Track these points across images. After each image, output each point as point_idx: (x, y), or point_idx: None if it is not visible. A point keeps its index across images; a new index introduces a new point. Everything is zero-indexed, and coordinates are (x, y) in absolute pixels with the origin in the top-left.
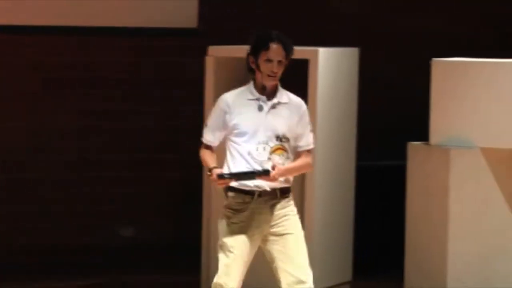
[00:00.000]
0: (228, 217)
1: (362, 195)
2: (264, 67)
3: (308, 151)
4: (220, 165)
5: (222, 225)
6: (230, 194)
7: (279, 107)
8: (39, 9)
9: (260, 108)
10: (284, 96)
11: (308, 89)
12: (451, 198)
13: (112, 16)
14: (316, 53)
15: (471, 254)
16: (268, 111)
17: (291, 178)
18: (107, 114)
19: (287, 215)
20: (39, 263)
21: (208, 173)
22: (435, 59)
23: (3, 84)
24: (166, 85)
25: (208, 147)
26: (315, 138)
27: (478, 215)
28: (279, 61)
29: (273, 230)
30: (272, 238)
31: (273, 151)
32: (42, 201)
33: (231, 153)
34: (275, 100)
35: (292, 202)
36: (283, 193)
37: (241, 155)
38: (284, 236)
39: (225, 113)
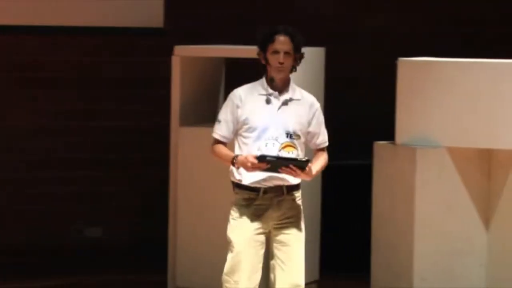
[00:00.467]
0: (234, 214)
1: (329, 194)
2: (272, 59)
3: (325, 147)
4: (227, 170)
5: (229, 221)
6: (236, 190)
7: (291, 104)
8: (1, 8)
9: (271, 103)
10: (297, 92)
11: None
12: (417, 197)
13: (78, 15)
14: None
15: (437, 253)
16: (280, 107)
17: None
18: (74, 114)
19: (292, 216)
20: (13, 264)
21: (233, 162)
22: (401, 59)
23: None
24: (132, 85)
25: (220, 143)
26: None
27: (444, 214)
28: (286, 53)
29: (278, 228)
30: (275, 235)
31: (282, 148)
32: (6, 201)
33: (240, 148)
34: (287, 96)
35: (299, 203)
36: (290, 190)
37: (250, 150)
38: (287, 237)
39: (237, 107)
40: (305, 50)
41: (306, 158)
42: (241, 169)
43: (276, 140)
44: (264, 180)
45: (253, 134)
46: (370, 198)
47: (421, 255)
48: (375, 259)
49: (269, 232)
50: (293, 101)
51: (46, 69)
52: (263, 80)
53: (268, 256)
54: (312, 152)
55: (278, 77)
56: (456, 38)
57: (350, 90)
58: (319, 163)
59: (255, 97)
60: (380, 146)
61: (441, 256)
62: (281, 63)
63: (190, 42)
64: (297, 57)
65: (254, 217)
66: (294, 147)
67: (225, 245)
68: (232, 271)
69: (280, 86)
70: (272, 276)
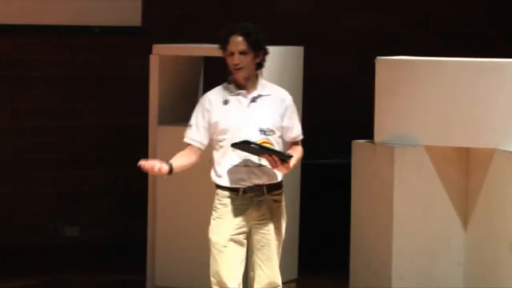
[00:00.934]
0: (214, 214)
1: (307, 193)
2: (228, 60)
3: (300, 140)
4: (207, 170)
5: (211, 222)
6: (217, 191)
7: (261, 100)
8: None
9: (240, 103)
10: (266, 88)
11: None
12: (395, 196)
13: (55, 14)
14: None
15: (416, 252)
16: (249, 105)
17: (279, 174)
18: (53, 113)
19: (272, 216)
20: None
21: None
22: (379, 58)
23: None
24: (110, 84)
25: (190, 148)
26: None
27: (423, 213)
28: (242, 53)
29: (257, 227)
30: (255, 234)
31: None
32: None
33: (218, 151)
34: (255, 94)
35: (281, 203)
36: (270, 190)
37: (226, 152)
38: (267, 237)
39: (208, 111)
40: (285, 49)
41: (290, 153)
42: (221, 170)
43: (251, 138)
44: (243, 180)
45: (228, 136)
46: (349, 197)
47: (399, 254)
48: (354, 258)
49: (249, 231)
50: (262, 97)
51: (22, 67)
52: (230, 81)
53: (248, 254)
54: (287, 145)
55: (237, 77)
56: (436, 37)
57: (328, 89)
58: (297, 155)
59: (224, 99)
60: (359, 145)
61: (420, 255)
62: (235, 64)
63: (169, 41)
64: (259, 54)
65: (234, 217)
66: (270, 144)
67: (205, 245)
68: (216, 272)
69: (246, 85)
70: (252, 274)
